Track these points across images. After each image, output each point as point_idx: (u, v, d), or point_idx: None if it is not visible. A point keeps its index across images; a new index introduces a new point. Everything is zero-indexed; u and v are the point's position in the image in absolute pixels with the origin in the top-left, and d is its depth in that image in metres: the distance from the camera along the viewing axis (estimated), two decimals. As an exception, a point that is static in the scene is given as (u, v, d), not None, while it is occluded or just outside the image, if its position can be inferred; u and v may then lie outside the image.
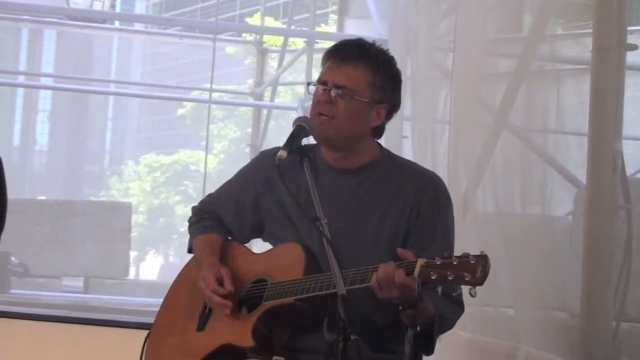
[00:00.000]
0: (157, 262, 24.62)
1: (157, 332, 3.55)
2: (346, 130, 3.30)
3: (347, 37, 3.46)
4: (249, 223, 3.52)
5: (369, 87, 3.28)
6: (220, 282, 3.33)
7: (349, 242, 3.21)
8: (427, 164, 6.15)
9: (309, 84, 3.36)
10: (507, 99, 5.39)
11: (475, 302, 5.38)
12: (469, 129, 5.73)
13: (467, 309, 5.39)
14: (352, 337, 2.80)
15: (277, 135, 13.48)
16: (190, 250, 3.60)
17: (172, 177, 24.89)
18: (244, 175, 3.57)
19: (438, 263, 2.90)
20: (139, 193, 24.97)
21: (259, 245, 3.67)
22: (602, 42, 4.76)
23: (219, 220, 3.55)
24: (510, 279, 5.22)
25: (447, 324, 3.26)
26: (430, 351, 3.27)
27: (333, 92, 3.26)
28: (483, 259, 2.88)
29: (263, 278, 3.32)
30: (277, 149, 3.40)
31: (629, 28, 5.02)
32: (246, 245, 3.58)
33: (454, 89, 5.89)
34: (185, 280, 3.58)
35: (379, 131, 3.38)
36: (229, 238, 3.55)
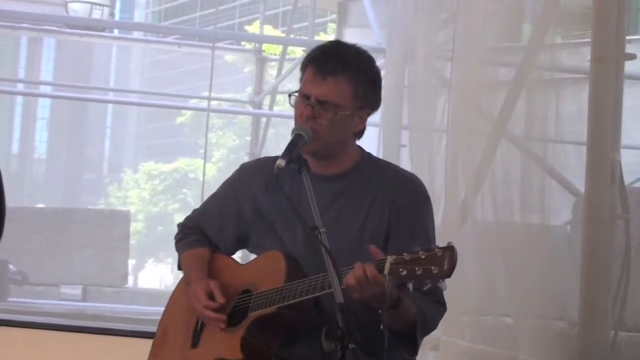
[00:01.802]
0: (155, 270, 24.61)
1: (155, 352, 3.57)
2: (330, 142, 3.31)
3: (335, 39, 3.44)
4: (232, 236, 3.53)
5: (352, 98, 3.27)
6: (210, 296, 3.34)
7: (334, 245, 3.20)
8: (425, 173, 6.17)
9: (290, 95, 3.35)
10: (506, 107, 5.39)
11: (474, 311, 5.41)
12: (467, 138, 5.74)
13: (466, 317, 5.43)
14: (351, 346, 2.80)
15: (276, 144, 13.48)
16: (180, 267, 3.61)
17: (170, 185, 24.91)
18: (225, 189, 3.58)
19: (407, 259, 2.91)
20: (138, 201, 24.98)
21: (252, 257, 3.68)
22: (600, 51, 4.76)
23: (204, 234, 3.56)
24: (509, 288, 5.23)
25: (430, 324, 3.27)
26: (414, 352, 3.28)
27: (316, 107, 3.25)
28: (449, 250, 2.88)
29: (249, 289, 3.33)
30: (258, 160, 3.51)
31: (627, 37, 5.03)
32: (232, 256, 3.60)
33: (453, 98, 5.89)
34: (178, 298, 3.60)
35: (360, 133, 3.39)
36: (215, 251, 3.56)
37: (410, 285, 2.91)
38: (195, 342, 3.42)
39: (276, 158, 3.36)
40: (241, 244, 3.54)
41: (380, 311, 3.02)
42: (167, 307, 3.65)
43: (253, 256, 3.54)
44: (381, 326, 3.00)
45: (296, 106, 3.31)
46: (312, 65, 3.30)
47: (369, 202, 3.33)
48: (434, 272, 2.87)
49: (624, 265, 4.91)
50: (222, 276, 3.44)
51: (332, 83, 3.24)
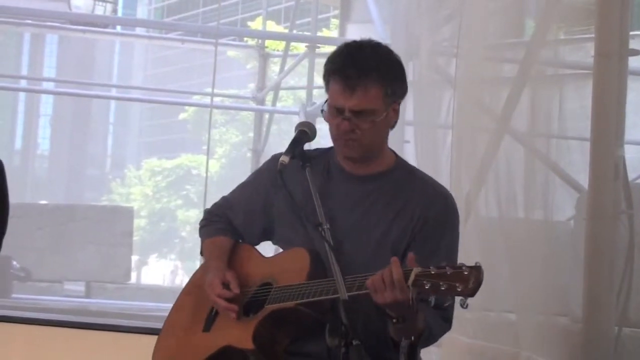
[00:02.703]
0: (158, 266, 24.64)
1: (165, 332, 3.57)
2: (373, 144, 3.31)
3: (345, 42, 3.41)
4: (259, 226, 3.51)
5: (383, 99, 3.25)
6: (226, 285, 3.34)
7: (355, 247, 3.21)
8: (429, 169, 6.13)
9: (322, 110, 3.33)
10: (509, 103, 5.39)
11: (477, 307, 5.41)
12: (472, 134, 5.73)
13: (468, 314, 5.42)
14: (354, 342, 2.80)
15: (279, 140, 13.49)
16: (202, 252, 3.61)
17: (173, 181, 24.92)
18: (256, 178, 3.57)
19: (432, 273, 2.89)
20: (141, 197, 25.00)
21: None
22: (604, 47, 4.76)
23: (230, 223, 3.56)
24: (512, 284, 5.22)
25: (432, 340, 3.25)
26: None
27: (352, 119, 3.23)
28: (476, 270, 2.86)
29: (269, 282, 3.33)
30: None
31: (631, 33, 5.02)
32: (256, 248, 3.59)
33: (457, 94, 5.89)
34: (195, 283, 3.60)
35: (394, 124, 3.36)
36: (239, 241, 3.56)
37: (432, 300, 2.91)
38: (207, 327, 3.42)
39: (310, 152, 3.38)
40: (267, 234, 3.52)
41: (394, 320, 3.02)
42: (185, 289, 3.64)
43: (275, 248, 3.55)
44: (411, 338, 3.02)
45: (330, 119, 3.29)
46: (337, 77, 3.26)
47: (397, 208, 3.31)
48: (458, 289, 2.85)
49: (627, 261, 4.91)
50: (243, 266, 3.43)
51: (362, 93, 3.22)
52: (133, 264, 15.84)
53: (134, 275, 16.98)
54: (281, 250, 3.48)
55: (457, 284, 2.85)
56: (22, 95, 21.53)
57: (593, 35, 4.88)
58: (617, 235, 4.79)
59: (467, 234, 5.38)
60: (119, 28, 18.17)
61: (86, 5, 19.13)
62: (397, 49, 7.56)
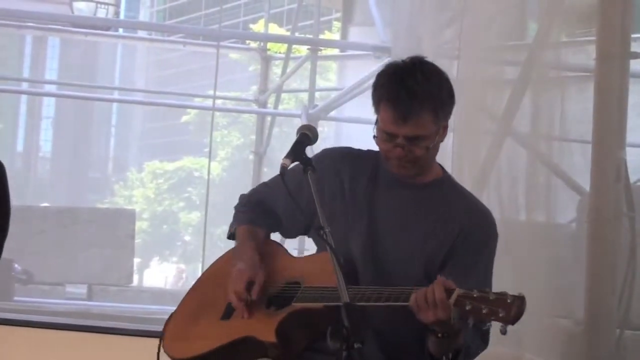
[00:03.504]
0: (160, 269, 24.62)
1: (181, 313, 3.55)
2: (426, 164, 3.35)
3: (393, 63, 3.40)
4: (300, 217, 3.44)
5: (435, 123, 3.28)
6: (250, 285, 3.32)
7: (390, 251, 3.24)
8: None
9: (374, 137, 3.32)
10: (510, 105, 5.39)
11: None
12: (474, 136, 5.73)
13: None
14: (356, 345, 2.80)
15: (281, 143, 13.48)
16: (230, 237, 3.58)
17: (175, 184, 24.89)
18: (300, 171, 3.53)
19: (475, 295, 2.93)
20: (143, 200, 24.98)
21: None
22: (605, 50, 4.76)
23: (269, 210, 3.53)
24: (514, 286, 5.21)
25: (469, 358, 3.27)
26: None
27: (406, 146, 3.25)
28: (520, 300, 2.91)
29: (297, 281, 3.33)
30: (342, 150, 3.48)
31: (632, 36, 5.02)
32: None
33: (459, 96, 5.88)
34: (218, 270, 3.58)
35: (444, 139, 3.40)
36: (270, 237, 3.55)
37: (471, 321, 2.92)
38: (227, 315, 3.41)
39: (361, 152, 3.43)
40: (306, 229, 3.50)
41: (439, 335, 3.05)
42: (207, 273, 3.62)
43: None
44: (444, 358, 3.06)
45: (381, 144, 3.31)
46: (389, 105, 3.26)
47: (436, 220, 3.33)
48: (500, 315, 2.89)
49: (629, 263, 4.91)
50: (272, 261, 3.43)
51: (415, 121, 3.24)
52: (135, 267, 15.82)
53: (136, 278, 16.96)
54: (315, 245, 3.48)
55: (500, 310, 2.88)
56: (24, 97, 21.50)
57: (595, 38, 4.88)
58: (619, 237, 4.80)
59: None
60: (121, 31, 18.15)
61: (88, 8, 19.13)
62: (399, 51, 7.61)
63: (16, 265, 12.89)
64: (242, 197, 3.64)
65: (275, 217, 3.55)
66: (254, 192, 3.64)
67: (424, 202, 3.36)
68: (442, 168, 3.48)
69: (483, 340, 3.27)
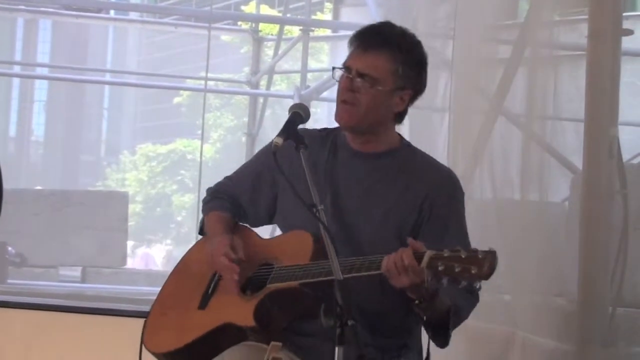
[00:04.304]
0: (154, 251, 24.63)
1: (159, 305, 3.55)
2: (368, 118, 3.31)
3: (370, 23, 3.44)
4: (265, 204, 3.51)
5: (392, 74, 3.29)
6: (232, 248, 3.34)
7: (359, 223, 3.23)
8: (425, 151, 6.14)
9: (334, 68, 3.36)
10: (503, 85, 5.39)
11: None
12: (469, 116, 5.73)
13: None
14: (349, 322, 2.81)
15: (273, 124, 13.48)
16: (201, 232, 3.60)
17: (168, 166, 24.90)
18: (262, 157, 3.55)
19: (446, 255, 2.92)
20: (136, 183, 24.98)
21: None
22: (597, 28, 4.76)
23: (234, 201, 3.55)
24: (507, 265, 5.22)
25: (462, 315, 3.29)
26: (445, 343, 3.28)
27: (355, 80, 3.27)
28: (491, 255, 2.89)
29: (270, 262, 3.34)
30: (304, 131, 3.43)
31: (624, 14, 5.02)
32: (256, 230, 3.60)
33: (454, 76, 5.88)
34: (191, 259, 3.59)
35: (400, 116, 3.41)
36: (240, 223, 3.56)
37: (445, 281, 2.93)
38: (203, 304, 3.41)
39: (314, 131, 3.41)
40: (271, 215, 3.52)
41: (416, 302, 3.05)
42: (177, 268, 3.62)
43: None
44: (424, 317, 3.09)
45: (339, 79, 3.33)
46: (356, 40, 3.32)
47: (401, 187, 3.33)
48: (473, 272, 2.88)
49: (622, 240, 4.92)
50: (245, 247, 3.43)
51: (372, 57, 3.27)
52: (129, 249, 15.83)
53: (129, 260, 16.97)
54: (280, 231, 3.49)
55: (472, 267, 2.88)
56: (16, 81, 21.50)
57: (587, 17, 4.88)
58: (612, 215, 4.80)
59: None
60: (112, 13, 18.11)
61: (79, -10, 19.05)
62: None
63: (10, 248, 12.90)
64: (208, 190, 3.67)
65: (241, 207, 3.57)
66: (219, 184, 3.66)
67: (384, 170, 3.36)
68: (401, 137, 3.47)
69: (471, 293, 3.27)
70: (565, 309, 4.97)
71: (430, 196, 3.30)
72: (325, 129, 3.51)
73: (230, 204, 3.56)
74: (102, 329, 5.90)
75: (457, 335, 5.34)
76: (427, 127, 6.36)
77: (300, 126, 3.36)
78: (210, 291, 3.42)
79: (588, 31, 4.80)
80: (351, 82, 3.27)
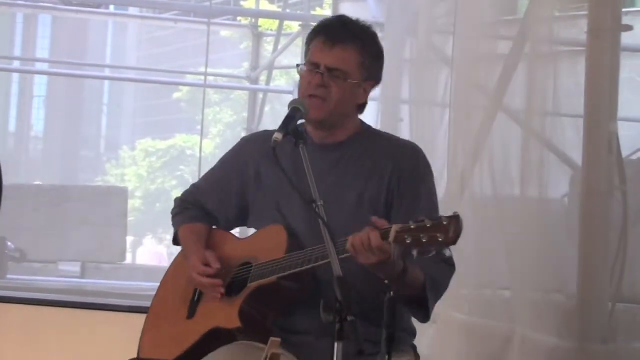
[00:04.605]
0: (153, 246, 24.63)
1: (151, 323, 3.59)
2: (337, 111, 3.36)
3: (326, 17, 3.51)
4: (234, 208, 3.56)
5: (359, 67, 3.35)
6: (206, 264, 3.36)
7: (333, 214, 3.22)
8: (425, 147, 6.12)
9: (297, 65, 3.39)
10: (502, 80, 5.39)
11: (472, 284, 5.41)
12: (469, 112, 5.73)
13: (463, 290, 5.43)
14: (349, 318, 2.81)
15: (273, 119, 13.45)
16: (175, 242, 3.62)
17: (168, 161, 24.86)
18: (227, 161, 3.62)
19: (412, 227, 2.94)
20: (135, 178, 24.95)
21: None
22: (597, 23, 4.76)
23: (203, 209, 3.58)
24: (507, 261, 5.23)
25: (440, 285, 3.30)
26: (426, 317, 3.30)
27: (325, 75, 3.30)
28: (455, 219, 2.91)
29: (248, 261, 3.35)
30: (260, 133, 3.55)
31: (623, 9, 5.02)
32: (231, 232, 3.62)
33: (454, 72, 5.88)
34: (174, 272, 3.62)
35: (363, 107, 3.45)
36: (214, 227, 3.58)
37: (415, 252, 2.93)
38: (191, 313, 3.44)
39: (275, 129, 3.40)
40: (242, 217, 3.56)
41: (386, 281, 3.04)
42: (163, 281, 3.66)
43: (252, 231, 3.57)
44: (390, 293, 3.02)
45: (303, 75, 3.38)
46: (321, 35, 3.36)
47: (367, 169, 3.37)
48: (440, 239, 2.90)
49: (621, 236, 4.92)
50: (221, 250, 3.46)
51: (341, 51, 3.32)
52: (128, 244, 15.82)
53: (129, 255, 16.97)
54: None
55: (438, 235, 2.89)
56: (15, 76, 21.45)
57: (586, 12, 4.87)
58: (611, 211, 4.81)
59: (461, 211, 5.39)
60: (111, 8, 18.07)
61: (79, -15, 19.04)
62: (393, 26, 7.56)
63: (9, 243, 12.91)
64: (176, 200, 3.70)
65: (209, 214, 3.60)
66: (185, 193, 3.70)
67: (349, 157, 3.40)
68: (362, 122, 3.50)
69: (446, 262, 3.29)
70: (565, 305, 4.97)
71: (397, 171, 3.35)
72: None
73: (199, 212, 3.59)
74: (102, 324, 5.90)
75: (457, 331, 5.35)
76: (427, 123, 6.36)
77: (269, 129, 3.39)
78: (195, 299, 3.45)
79: (587, 27, 4.80)
80: (320, 77, 3.31)
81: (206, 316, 3.39)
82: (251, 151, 3.51)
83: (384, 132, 3.57)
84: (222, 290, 3.35)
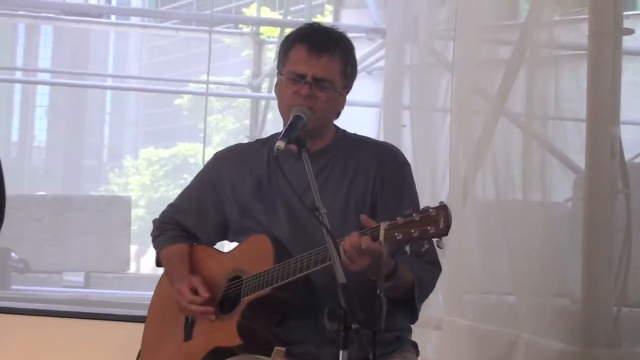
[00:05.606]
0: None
1: (147, 352, 3.57)
2: (322, 120, 3.38)
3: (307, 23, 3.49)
4: (213, 224, 3.55)
5: (342, 76, 3.37)
6: (194, 291, 3.35)
7: (317, 228, 3.21)
8: (427, 153, 6.16)
9: (278, 73, 3.38)
10: (504, 85, 5.39)
11: (476, 290, 5.41)
12: (470, 117, 5.73)
13: (468, 296, 5.43)
14: (353, 326, 2.80)
15: (275, 126, 13.45)
16: (158, 264, 3.61)
17: (171, 170, 24.84)
18: (202, 178, 3.62)
19: (401, 222, 2.92)
20: (138, 187, 24.93)
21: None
22: (598, 27, 4.76)
23: (182, 228, 3.57)
24: (511, 266, 5.23)
25: (427, 287, 3.30)
26: (414, 318, 3.30)
27: (313, 86, 3.29)
28: (443, 209, 2.89)
29: (237, 275, 3.34)
30: (232, 147, 3.57)
31: (625, 13, 5.02)
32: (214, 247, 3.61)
33: (455, 77, 5.88)
34: (162, 295, 3.60)
35: (339, 114, 3.47)
36: (194, 244, 3.57)
37: (408, 248, 2.92)
38: (188, 335, 3.42)
39: (249, 144, 3.42)
40: (222, 232, 3.56)
41: (376, 280, 3.05)
42: (152, 306, 3.64)
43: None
44: (378, 291, 3.02)
45: (287, 85, 3.33)
46: (304, 44, 3.33)
47: (351, 174, 3.38)
48: (431, 231, 2.88)
49: (625, 240, 4.91)
50: (205, 267, 3.45)
51: (327, 61, 3.31)
52: (132, 254, 15.81)
53: (133, 265, 16.94)
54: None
55: (429, 227, 2.87)
56: (17, 87, 21.44)
57: (587, 16, 4.87)
58: (615, 214, 4.80)
59: (465, 216, 5.40)
60: (113, 18, 18.10)
61: (80, -5, 19.06)
62: (394, 32, 7.57)
63: (13, 254, 12.88)
64: (154, 222, 3.69)
65: (189, 232, 3.59)
66: (163, 214, 3.69)
67: (332, 163, 3.41)
68: (336, 127, 3.51)
69: (432, 264, 3.30)
70: (569, 310, 4.96)
71: (379, 173, 3.36)
72: (257, 141, 3.57)
73: (178, 231, 3.58)
74: (106, 334, 5.90)
75: (462, 336, 5.35)
76: (428, 129, 6.36)
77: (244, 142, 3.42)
78: (190, 320, 3.44)
79: (589, 30, 4.80)
80: (308, 88, 3.29)
81: (204, 337, 3.37)
82: (226, 166, 3.51)
83: (361, 135, 3.57)
84: (214, 317, 3.33)
